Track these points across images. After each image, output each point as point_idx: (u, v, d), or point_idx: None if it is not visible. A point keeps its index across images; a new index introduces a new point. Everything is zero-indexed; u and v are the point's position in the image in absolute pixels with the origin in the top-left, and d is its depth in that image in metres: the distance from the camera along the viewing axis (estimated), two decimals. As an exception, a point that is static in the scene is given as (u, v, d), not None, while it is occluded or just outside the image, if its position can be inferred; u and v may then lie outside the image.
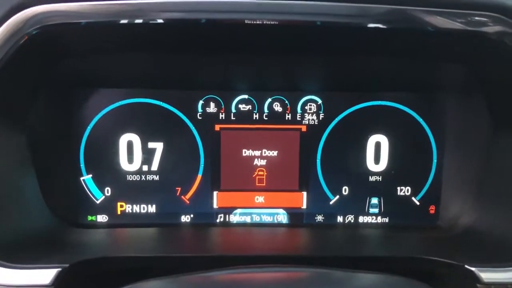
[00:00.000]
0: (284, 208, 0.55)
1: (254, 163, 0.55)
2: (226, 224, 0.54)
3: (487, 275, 0.40)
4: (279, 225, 0.55)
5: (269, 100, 0.53)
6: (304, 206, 0.55)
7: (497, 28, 0.39)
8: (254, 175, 0.55)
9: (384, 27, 0.43)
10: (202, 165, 0.54)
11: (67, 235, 0.49)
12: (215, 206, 0.54)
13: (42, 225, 0.49)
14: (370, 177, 0.54)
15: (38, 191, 0.50)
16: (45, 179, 0.51)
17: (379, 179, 0.55)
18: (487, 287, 0.38)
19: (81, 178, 0.53)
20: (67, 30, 0.39)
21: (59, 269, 0.40)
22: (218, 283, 0.35)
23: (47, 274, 0.40)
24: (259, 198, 0.54)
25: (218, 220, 0.54)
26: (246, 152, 0.54)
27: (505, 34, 0.40)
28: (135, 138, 0.53)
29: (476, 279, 0.40)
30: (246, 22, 0.40)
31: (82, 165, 0.53)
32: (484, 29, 0.39)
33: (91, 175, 0.53)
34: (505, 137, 0.48)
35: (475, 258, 0.41)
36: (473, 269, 0.40)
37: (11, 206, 0.45)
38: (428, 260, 0.41)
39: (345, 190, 0.54)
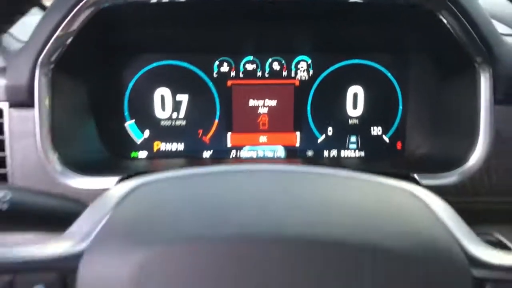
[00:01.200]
0: (282, 146, 0.67)
1: (258, 111, 0.68)
2: (237, 158, 0.69)
3: (426, 181, 0.53)
4: (278, 158, 0.67)
5: (270, 60, 0.66)
6: (298, 144, 0.66)
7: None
8: (258, 120, 0.67)
9: (361, 1, 0.57)
10: (218, 113, 0.67)
11: (119, 164, 0.64)
12: (229, 144, 0.66)
13: (99, 157, 0.64)
14: (349, 120, 0.66)
15: (95, 131, 0.65)
16: (100, 123, 0.66)
17: (357, 122, 0.66)
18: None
19: (126, 123, 0.68)
20: (126, 6, 0.53)
21: (120, 177, 0.55)
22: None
23: (112, 181, 0.52)
24: (263, 138, 0.67)
25: (231, 156, 0.69)
26: (252, 102, 0.68)
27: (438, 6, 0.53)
28: (166, 92, 0.67)
29: (417, 183, 0.53)
30: None
31: (126, 113, 0.67)
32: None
33: (133, 121, 0.66)
34: (448, 87, 0.60)
35: (419, 171, 0.55)
36: (415, 175, 0.54)
37: (77, 139, 0.61)
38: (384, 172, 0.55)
39: (330, 131, 0.67)
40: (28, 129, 0.51)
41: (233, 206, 0.29)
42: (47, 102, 0.52)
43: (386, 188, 0.33)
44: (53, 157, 0.52)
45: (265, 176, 0.33)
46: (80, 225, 0.31)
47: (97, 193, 0.35)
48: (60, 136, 0.53)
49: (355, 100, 0.66)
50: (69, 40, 0.51)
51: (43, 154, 0.51)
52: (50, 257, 0.28)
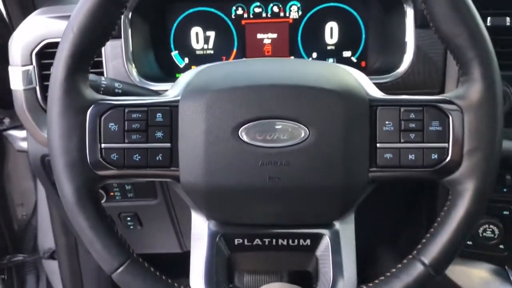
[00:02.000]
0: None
1: (264, 42, 0.92)
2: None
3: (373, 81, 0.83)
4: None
5: (271, 5, 0.89)
6: (292, 65, 0.97)
7: None
8: (264, 48, 0.91)
9: None
10: (236, 44, 0.90)
11: (170, 81, 0.93)
12: (244, 66, 0.97)
13: (157, 75, 0.93)
14: (327, 47, 0.90)
15: (154, 57, 0.94)
16: (156, 52, 0.94)
17: (333, 48, 0.90)
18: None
19: (172, 53, 0.97)
20: None
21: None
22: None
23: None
24: (267, 61, 0.96)
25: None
26: (259, 36, 0.91)
27: None
28: (199, 30, 0.90)
29: None
30: None
31: (172, 46, 0.95)
32: None
33: (177, 52, 0.94)
34: (389, 18, 0.85)
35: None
36: None
37: (145, 62, 0.90)
38: None
39: (314, 55, 0.92)
40: (117, 52, 0.81)
41: (253, 72, 0.58)
42: (128, 35, 0.81)
43: (334, 66, 0.62)
44: (133, 71, 0.82)
45: (269, 62, 0.63)
46: (175, 87, 0.60)
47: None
48: (137, 58, 0.83)
49: (331, 32, 0.93)
50: None
51: (127, 68, 0.81)
52: (164, 100, 0.58)
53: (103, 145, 0.56)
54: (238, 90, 0.55)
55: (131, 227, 1.00)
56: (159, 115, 0.56)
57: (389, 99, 0.57)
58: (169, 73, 0.93)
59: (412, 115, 0.55)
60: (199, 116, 0.55)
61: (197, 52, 0.93)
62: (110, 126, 0.55)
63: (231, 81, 0.57)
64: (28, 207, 1.32)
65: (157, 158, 0.56)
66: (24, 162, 1.27)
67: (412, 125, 0.55)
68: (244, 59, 0.64)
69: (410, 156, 0.55)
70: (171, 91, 0.60)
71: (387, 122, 0.56)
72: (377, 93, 0.58)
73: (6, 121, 1.14)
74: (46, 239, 1.28)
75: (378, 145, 0.56)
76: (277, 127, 0.55)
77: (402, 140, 0.55)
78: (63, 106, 0.55)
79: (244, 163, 0.55)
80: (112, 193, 0.92)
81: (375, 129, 0.56)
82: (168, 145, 0.55)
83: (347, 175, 0.55)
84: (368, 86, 0.59)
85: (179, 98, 0.55)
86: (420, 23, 0.79)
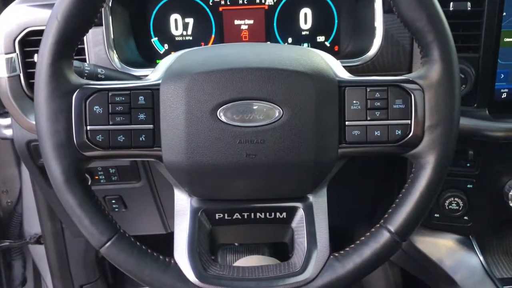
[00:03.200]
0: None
1: (241, 28, 0.95)
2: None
3: (344, 64, 0.86)
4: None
5: None
6: (268, 50, 1.01)
7: None
8: (241, 34, 0.94)
9: None
10: (214, 30, 0.93)
11: (150, 67, 0.96)
12: (222, 52, 1.00)
13: (138, 61, 0.96)
14: (302, 32, 0.93)
15: (134, 44, 0.97)
16: (136, 39, 0.97)
17: (307, 33, 0.93)
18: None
19: (152, 40, 1.00)
20: None
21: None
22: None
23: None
24: (245, 46, 1.00)
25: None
26: (236, 22, 0.93)
27: None
28: (178, 17, 0.92)
29: None
30: None
31: (152, 33, 0.97)
32: None
33: (157, 38, 0.96)
34: (360, 4, 0.89)
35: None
36: None
37: (126, 49, 0.93)
38: None
39: (290, 40, 0.95)
40: (98, 39, 0.83)
41: (230, 56, 0.62)
42: (109, 22, 0.84)
43: (306, 50, 0.66)
44: (115, 57, 0.85)
45: (245, 47, 0.66)
46: (156, 71, 0.64)
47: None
48: (118, 45, 0.86)
49: (305, 18, 0.97)
50: None
51: (109, 55, 0.84)
52: (146, 84, 0.61)
53: (88, 127, 0.59)
54: (215, 73, 0.59)
55: (116, 209, 1.04)
56: (141, 98, 0.60)
57: (356, 80, 0.61)
58: (150, 59, 0.96)
59: (377, 95, 0.60)
60: (179, 99, 0.59)
61: (177, 39, 0.96)
62: (95, 109, 0.59)
63: (209, 65, 0.60)
64: (12, 194, 1.34)
65: (141, 138, 0.60)
66: (8, 150, 1.29)
67: (377, 103, 0.59)
68: (221, 44, 0.68)
69: (376, 133, 0.60)
70: (152, 75, 0.63)
71: (354, 102, 0.60)
72: (346, 75, 0.62)
73: (-11, 110, 1.15)
74: (32, 224, 1.30)
75: (346, 123, 0.60)
76: (253, 107, 0.58)
77: (368, 118, 0.60)
78: (49, 90, 0.58)
79: (223, 141, 0.58)
80: (96, 177, 0.95)
81: (343, 108, 0.60)
82: (151, 126, 0.59)
83: (318, 151, 0.59)
84: (338, 68, 0.63)
85: (160, 81, 0.58)
86: (388, 9, 0.83)
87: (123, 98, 0.59)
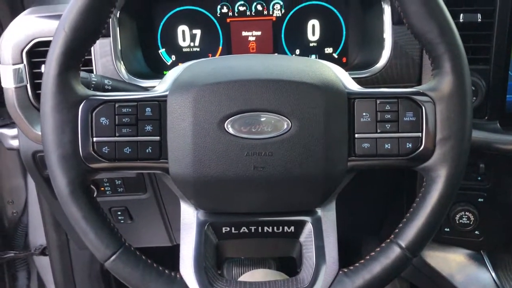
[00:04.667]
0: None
1: (248, 39, 0.96)
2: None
3: (352, 76, 0.86)
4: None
5: (255, 3, 0.92)
6: (276, 61, 1.00)
7: None
8: (248, 46, 0.94)
9: None
10: (222, 41, 0.93)
11: (157, 78, 0.95)
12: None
13: (145, 72, 0.96)
14: (310, 44, 0.93)
15: (141, 55, 0.97)
16: (143, 50, 0.97)
17: (315, 45, 0.93)
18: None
19: (159, 51, 1.00)
20: None
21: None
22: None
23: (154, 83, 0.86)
24: (252, 58, 0.99)
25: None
26: (244, 33, 0.93)
27: None
28: (185, 28, 0.93)
29: None
30: None
31: (159, 44, 0.98)
32: None
33: (164, 49, 0.97)
34: (368, 15, 0.89)
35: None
36: None
37: (133, 60, 0.92)
38: None
39: (297, 51, 0.94)
40: (106, 50, 0.83)
41: (238, 68, 0.61)
42: (116, 33, 0.84)
43: (314, 61, 0.65)
44: (122, 68, 0.84)
45: (253, 58, 0.66)
46: (163, 82, 0.63)
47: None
48: (125, 56, 0.85)
49: (313, 30, 0.96)
50: None
51: (116, 66, 0.84)
52: (153, 95, 0.61)
53: (95, 139, 0.58)
54: (223, 84, 0.58)
55: (122, 221, 1.03)
56: (148, 109, 0.59)
57: (366, 92, 0.60)
58: (157, 70, 0.96)
59: (387, 107, 0.58)
60: (186, 110, 0.58)
61: (184, 50, 0.96)
62: (101, 121, 0.58)
63: (216, 76, 0.60)
64: (18, 204, 1.33)
65: (147, 150, 0.59)
66: (14, 160, 1.28)
67: (388, 116, 0.58)
68: (229, 55, 0.67)
69: (386, 146, 0.58)
70: (160, 86, 0.62)
71: (364, 114, 0.59)
72: (355, 87, 0.61)
73: (-4, 119, 1.15)
74: (37, 235, 1.29)
75: (356, 135, 0.59)
76: (261, 119, 0.58)
77: (378, 131, 0.59)
78: (56, 101, 0.57)
79: (230, 154, 0.58)
80: (102, 188, 0.95)
81: (353, 120, 0.59)
82: (157, 138, 0.58)
83: (327, 164, 0.58)
84: (347, 80, 0.62)
85: (167, 93, 0.58)
86: (397, 20, 0.82)
87: (129, 110, 0.59)
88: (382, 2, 0.84)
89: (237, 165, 0.58)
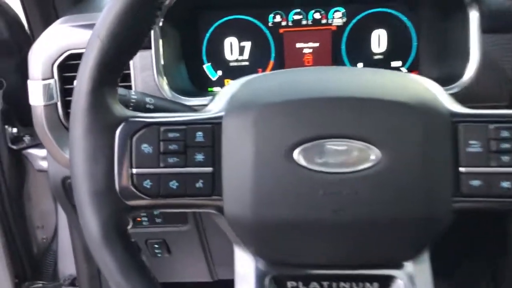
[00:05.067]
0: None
1: (304, 51, 0.87)
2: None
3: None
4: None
5: (312, 11, 0.83)
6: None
7: None
8: (304, 59, 0.85)
9: None
10: (273, 54, 0.84)
11: (202, 95, 0.85)
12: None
13: (189, 89, 0.86)
14: (374, 56, 0.83)
15: (185, 70, 0.87)
16: (187, 64, 0.88)
17: (381, 57, 0.83)
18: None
19: (204, 66, 0.90)
20: None
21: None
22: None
23: (204, 100, 0.76)
24: (308, 73, 0.88)
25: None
26: (299, 45, 0.84)
27: None
28: (233, 40, 0.85)
29: None
30: None
31: (204, 57, 0.88)
32: None
33: (210, 63, 0.88)
34: (448, 22, 0.77)
35: None
36: None
37: (176, 75, 0.82)
38: None
39: (360, 65, 0.85)
40: (147, 64, 0.73)
41: (310, 83, 0.50)
42: (159, 45, 0.74)
43: (404, 75, 0.53)
44: (164, 84, 0.74)
45: (328, 71, 0.54)
46: (217, 101, 0.52)
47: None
48: (168, 71, 0.75)
49: (379, 41, 0.85)
50: (173, 2, 0.73)
51: (157, 81, 0.73)
52: (205, 116, 0.50)
53: (134, 170, 0.48)
54: (293, 103, 0.47)
55: (159, 255, 0.92)
56: (199, 134, 0.48)
57: (474, 114, 0.47)
58: (201, 86, 0.86)
59: (504, 133, 0.46)
60: (246, 135, 0.47)
61: (231, 64, 0.86)
62: (143, 148, 0.48)
63: (284, 93, 0.48)
64: (48, 230, 1.25)
65: (197, 185, 0.48)
66: (45, 182, 1.20)
67: (505, 145, 0.45)
68: (296, 68, 0.57)
69: (503, 184, 0.45)
70: (212, 106, 0.52)
71: (472, 142, 0.46)
72: (458, 107, 0.49)
73: (26, 139, 1.08)
74: (67, 264, 1.20)
75: (462, 169, 0.46)
76: (340, 148, 0.46)
77: (492, 164, 0.46)
78: (88, 123, 0.47)
79: (301, 192, 0.46)
80: (139, 219, 0.84)
81: (458, 150, 0.47)
82: (210, 169, 0.48)
83: (426, 206, 0.46)
84: (445, 98, 0.49)
85: (222, 114, 0.48)
86: (487, 28, 0.70)
87: (177, 135, 0.48)
88: (466, 8, 0.71)
89: (309, 206, 0.46)
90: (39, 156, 1.07)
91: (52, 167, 0.81)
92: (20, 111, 1.01)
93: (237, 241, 0.53)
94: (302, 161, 0.46)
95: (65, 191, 0.82)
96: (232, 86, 0.53)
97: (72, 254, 1.13)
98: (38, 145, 1.04)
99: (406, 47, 0.85)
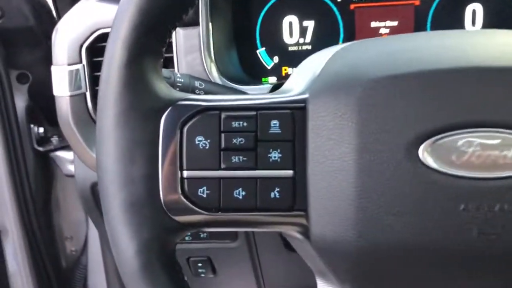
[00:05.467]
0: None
1: (380, 32, 0.73)
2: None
3: None
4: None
5: None
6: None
7: None
8: None
9: None
10: (342, 36, 0.72)
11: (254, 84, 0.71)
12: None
13: (240, 77, 0.72)
14: None
15: (236, 56, 0.74)
16: (239, 50, 0.74)
17: None
18: None
19: (257, 51, 0.76)
20: None
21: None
22: None
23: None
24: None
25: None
26: (374, 24, 0.72)
27: None
28: (293, 19, 0.72)
29: None
30: None
31: (258, 41, 0.75)
32: None
33: (264, 48, 0.74)
34: None
35: None
36: None
37: (226, 61, 0.69)
38: None
39: None
40: (193, 45, 0.60)
41: (435, 52, 0.35)
42: (208, 22, 0.60)
43: None
44: (213, 69, 0.61)
45: (456, 34, 0.39)
46: (297, 78, 0.38)
47: None
48: (218, 54, 0.62)
49: (473, 17, 0.69)
50: None
51: (206, 66, 0.60)
52: (283, 99, 0.36)
53: (185, 173, 0.34)
54: (412, 78, 0.32)
55: (202, 274, 0.79)
56: (275, 123, 0.35)
57: None
58: (253, 75, 0.72)
59: None
60: (345, 125, 0.33)
61: (290, 49, 0.72)
62: (197, 142, 0.34)
63: (397, 64, 0.34)
64: (78, 241, 1.14)
65: (272, 194, 0.35)
66: (74, 188, 1.09)
67: None
68: (407, 34, 0.42)
69: None
70: (291, 84, 0.38)
71: None
72: None
73: (54, 140, 0.98)
74: (98, 280, 1.09)
75: None
76: (491, 142, 0.31)
77: None
78: (122, 108, 0.34)
79: (430, 206, 0.31)
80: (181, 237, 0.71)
81: None
82: (290, 173, 0.35)
83: None
84: None
85: (306, 96, 0.35)
86: None
87: (245, 124, 0.34)
88: None
89: (444, 226, 0.31)
90: (68, 160, 0.97)
91: (80, 170, 0.70)
92: (47, 108, 0.90)
93: (325, 273, 0.38)
94: (431, 162, 0.32)
95: (94, 199, 0.70)
96: (317, 58, 0.39)
97: (102, 269, 1.04)
98: (67, 147, 0.94)
99: (508, 25, 0.69)
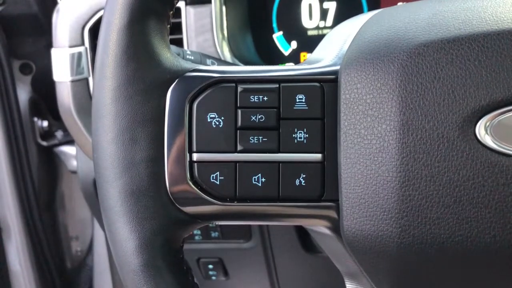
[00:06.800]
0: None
1: None
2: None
3: None
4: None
5: None
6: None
7: None
8: None
9: None
10: None
11: None
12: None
13: (254, 62, 0.67)
14: None
15: (251, 41, 0.68)
16: (254, 34, 0.69)
17: None
18: None
19: (274, 35, 0.71)
20: None
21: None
22: None
23: None
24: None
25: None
26: (401, 4, 0.68)
27: None
28: (313, 1, 0.68)
29: None
30: None
31: (275, 25, 0.70)
32: None
33: (281, 33, 0.69)
34: None
35: None
36: None
37: (241, 45, 0.64)
38: None
39: None
40: (204, 24, 0.55)
41: (482, 11, 0.29)
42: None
43: None
44: (226, 50, 0.55)
45: None
46: (326, 48, 0.33)
47: None
48: (232, 35, 0.57)
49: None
50: None
51: (218, 46, 0.55)
52: (310, 71, 0.31)
53: (195, 156, 0.29)
54: (470, 41, 0.27)
55: (213, 277, 0.73)
56: (300, 98, 0.30)
57: None
58: (269, 61, 0.68)
59: None
60: (385, 97, 0.27)
61: (309, 33, 0.67)
62: (209, 120, 0.29)
63: (451, 26, 0.28)
64: (83, 241, 1.10)
65: (297, 181, 0.29)
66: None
67: None
68: None
69: None
70: (319, 53, 0.32)
71: None
72: None
73: (58, 134, 0.93)
74: (104, 282, 1.04)
75: None
76: None
77: None
78: (122, 79, 0.28)
79: (489, 193, 0.26)
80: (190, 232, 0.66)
81: None
82: (318, 156, 0.30)
83: None
84: None
85: (337, 67, 0.31)
86: None
87: (265, 98, 0.29)
88: None
89: (502, 219, 0.25)
90: (73, 155, 0.92)
91: (82, 164, 0.65)
92: (51, 100, 0.85)
93: (357, 275, 0.32)
94: (489, 141, 0.26)
95: (97, 195, 0.65)
96: (351, 23, 0.33)
97: (109, 270, 0.99)
98: (73, 141, 0.90)
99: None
